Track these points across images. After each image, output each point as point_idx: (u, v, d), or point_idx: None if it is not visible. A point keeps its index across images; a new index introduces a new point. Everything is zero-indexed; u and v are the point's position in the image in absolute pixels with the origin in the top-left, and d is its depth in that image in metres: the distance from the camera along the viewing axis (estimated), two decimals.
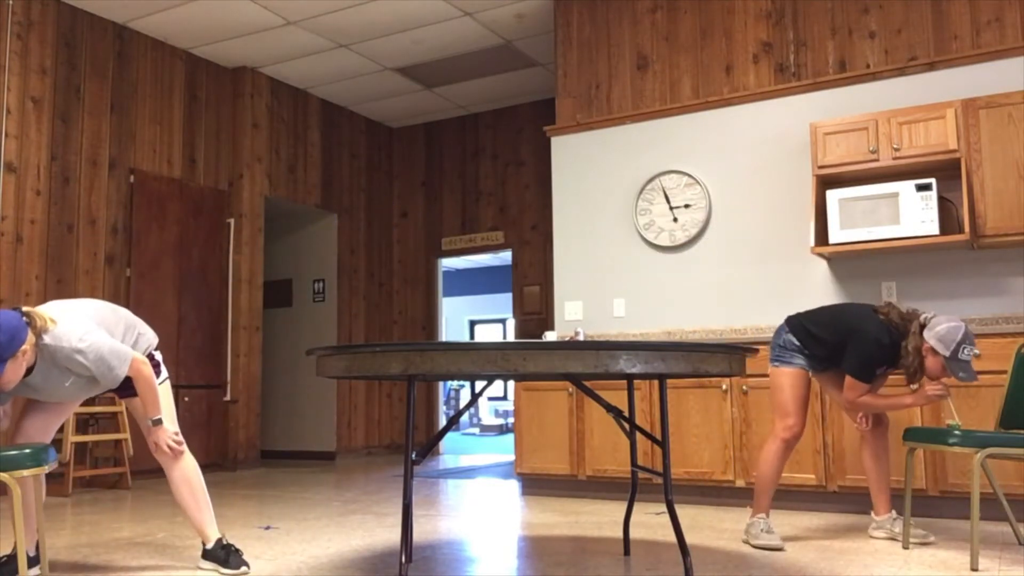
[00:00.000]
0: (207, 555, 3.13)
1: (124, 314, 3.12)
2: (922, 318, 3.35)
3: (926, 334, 3.29)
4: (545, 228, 8.06)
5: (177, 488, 3.13)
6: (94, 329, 2.86)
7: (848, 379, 3.43)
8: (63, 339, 2.77)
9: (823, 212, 4.84)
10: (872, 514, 3.72)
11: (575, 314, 5.80)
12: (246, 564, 3.08)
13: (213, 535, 3.13)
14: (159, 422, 3.03)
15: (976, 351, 3.27)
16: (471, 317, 16.61)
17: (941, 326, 3.26)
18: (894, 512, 3.66)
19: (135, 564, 3.27)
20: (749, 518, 3.62)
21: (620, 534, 3.83)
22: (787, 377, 3.57)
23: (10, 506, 2.57)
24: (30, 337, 2.70)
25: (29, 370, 2.78)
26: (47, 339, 2.76)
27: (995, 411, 3.71)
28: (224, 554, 3.09)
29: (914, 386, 3.44)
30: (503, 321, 16.21)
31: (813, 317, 3.60)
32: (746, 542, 3.57)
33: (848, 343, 3.42)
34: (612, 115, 5.82)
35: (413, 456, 2.59)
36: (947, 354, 3.23)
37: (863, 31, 5.14)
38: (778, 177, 5.26)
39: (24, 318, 2.70)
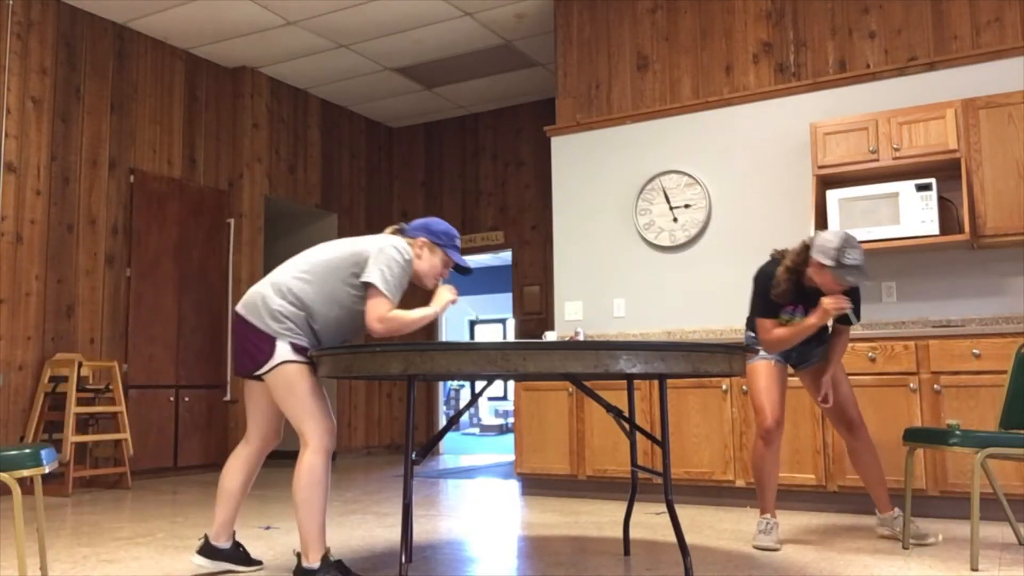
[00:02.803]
0: (219, 554, 3.08)
1: None
2: (807, 239, 3.38)
3: (811, 252, 3.30)
4: (545, 228, 8.06)
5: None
6: None
7: (757, 322, 3.48)
8: None
9: (823, 212, 4.84)
10: (876, 512, 3.71)
11: (575, 314, 5.79)
12: (261, 561, 3.15)
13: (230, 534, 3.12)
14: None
15: (861, 254, 3.23)
16: (471, 317, 16.61)
17: (821, 238, 3.28)
18: (896, 509, 3.65)
19: (135, 564, 3.27)
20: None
21: (620, 534, 3.83)
22: (754, 372, 3.59)
23: (10, 506, 2.57)
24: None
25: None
26: None
27: (995, 411, 3.71)
28: (243, 554, 3.11)
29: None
30: (503, 321, 16.21)
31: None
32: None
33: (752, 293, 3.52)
34: (612, 115, 5.82)
35: (413, 456, 2.59)
36: (832, 263, 3.23)
37: (863, 31, 5.14)
38: (778, 177, 5.26)
39: None
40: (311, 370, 2.86)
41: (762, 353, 3.57)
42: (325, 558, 2.80)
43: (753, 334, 3.61)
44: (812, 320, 3.38)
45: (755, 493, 4.47)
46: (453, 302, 2.99)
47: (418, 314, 2.87)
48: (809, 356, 3.62)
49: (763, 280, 3.46)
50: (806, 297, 3.44)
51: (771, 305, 3.44)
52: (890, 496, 3.68)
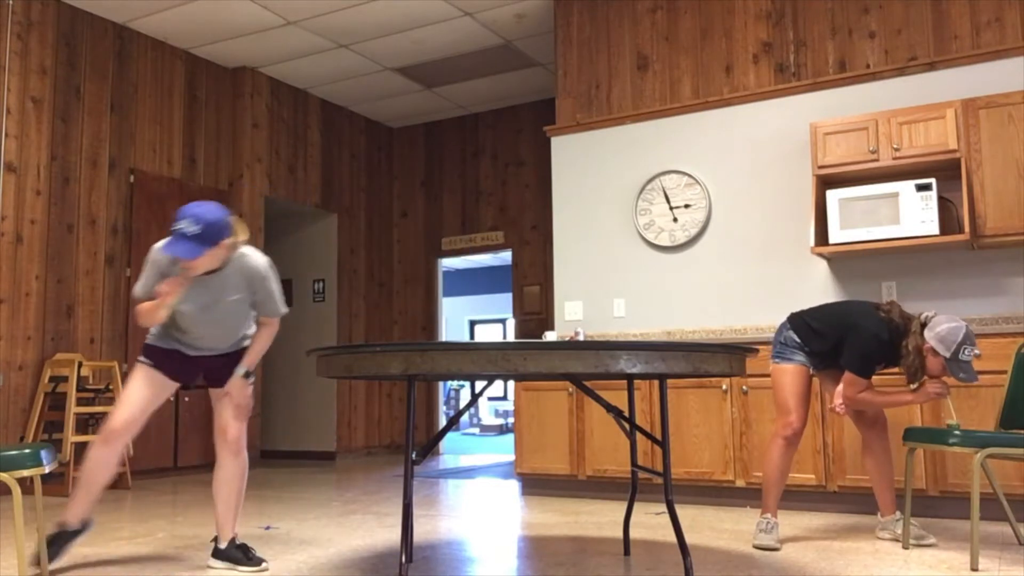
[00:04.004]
0: (220, 555, 3.14)
1: None
2: (923, 317, 3.35)
3: (927, 334, 3.28)
4: (545, 228, 8.06)
5: (224, 480, 3.15)
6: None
7: (847, 375, 3.43)
8: (255, 259, 3.00)
9: (823, 212, 4.84)
10: (879, 515, 3.71)
11: (575, 314, 5.79)
12: (264, 560, 3.14)
13: (229, 534, 3.14)
14: (251, 376, 3.14)
15: (977, 351, 3.26)
16: (471, 317, 16.61)
17: (942, 326, 3.25)
18: (898, 512, 3.65)
19: (135, 564, 3.27)
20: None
21: (620, 534, 3.83)
22: (787, 374, 3.57)
23: (10, 506, 2.57)
24: (232, 237, 2.88)
25: (214, 272, 2.94)
26: (244, 249, 2.96)
27: (995, 411, 3.71)
28: (241, 553, 3.12)
29: (913, 385, 3.43)
30: (503, 321, 16.21)
31: (814, 313, 3.61)
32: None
33: (847, 338, 3.43)
34: (612, 115, 5.82)
35: (413, 456, 2.59)
36: (948, 355, 3.22)
37: (863, 31, 5.14)
38: (778, 177, 5.26)
39: (230, 217, 2.89)
40: (141, 367, 3.11)
41: (796, 356, 3.57)
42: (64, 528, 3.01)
43: (797, 338, 3.59)
44: (908, 399, 3.43)
45: (756, 493, 4.48)
46: (165, 300, 2.89)
47: (148, 304, 2.95)
48: (833, 364, 3.61)
49: (872, 344, 3.37)
50: (895, 357, 3.43)
51: (871, 368, 3.42)
52: (895, 500, 3.68)
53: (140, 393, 3.06)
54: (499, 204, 8.57)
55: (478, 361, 2.35)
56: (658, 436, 4.56)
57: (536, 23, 6.75)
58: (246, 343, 3.21)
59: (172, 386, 3.17)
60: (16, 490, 2.54)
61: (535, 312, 8.16)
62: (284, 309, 3.16)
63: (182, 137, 7.13)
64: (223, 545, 3.14)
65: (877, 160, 4.69)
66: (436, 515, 4.52)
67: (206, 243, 2.78)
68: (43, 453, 2.67)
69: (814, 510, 4.45)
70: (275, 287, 3.09)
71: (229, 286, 3.00)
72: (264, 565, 3.10)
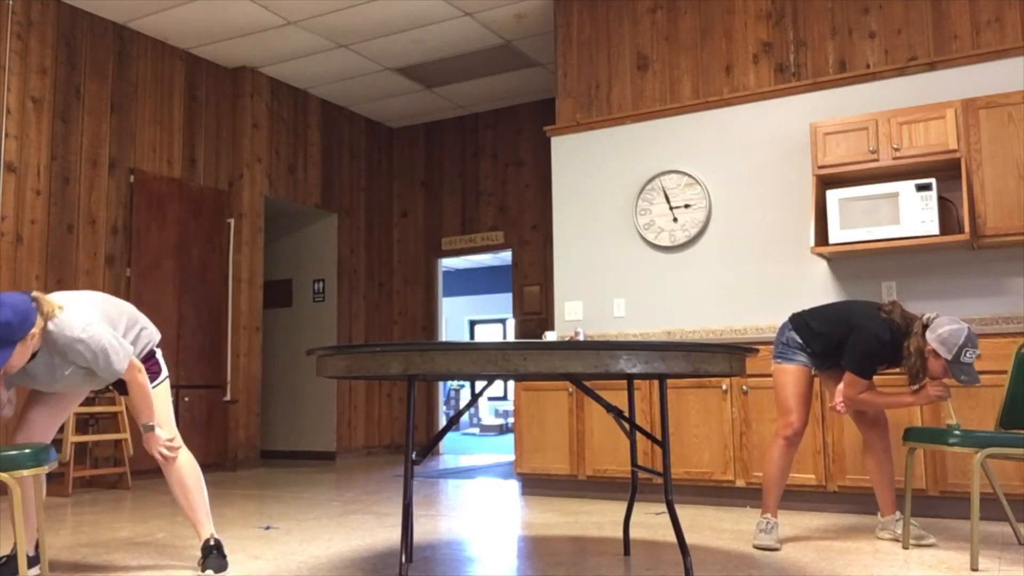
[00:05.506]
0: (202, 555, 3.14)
1: (127, 308, 3.11)
2: (924, 318, 3.35)
3: (928, 336, 3.28)
4: (545, 228, 8.06)
5: (171, 487, 3.15)
6: (97, 321, 2.85)
7: (848, 375, 3.43)
8: (66, 327, 2.76)
9: (823, 212, 4.84)
10: (879, 515, 3.71)
11: (575, 314, 5.80)
12: (215, 568, 3.05)
13: (204, 534, 3.13)
14: (151, 428, 3.02)
15: (978, 353, 3.26)
16: (471, 317, 16.61)
17: (944, 328, 3.25)
18: (898, 512, 3.65)
19: (135, 564, 3.27)
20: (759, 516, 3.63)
21: (620, 534, 3.83)
22: (789, 374, 3.57)
23: (10, 506, 2.57)
24: (39, 321, 2.71)
25: (33, 356, 2.78)
26: (51, 326, 2.76)
27: (995, 411, 3.72)
28: (204, 554, 3.10)
29: (915, 386, 3.43)
30: (503, 321, 16.21)
31: (816, 314, 3.61)
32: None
33: (848, 338, 3.43)
34: (612, 115, 5.82)
35: (413, 456, 2.59)
36: (949, 357, 3.22)
37: (863, 31, 5.14)
38: (778, 177, 5.26)
39: (33, 302, 2.72)
40: None
41: (798, 356, 3.57)
42: None
43: (799, 339, 3.58)
44: (909, 400, 3.43)
45: (756, 493, 4.49)
46: None
47: None
48: (834, 365, 3.61)
49: (873, 344, 3.37)
50: (897, 358, 3.42)
51: (872, 368, 3.42)
52: (895, 499, 3.68)
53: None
54: (499, 204, 8.57)
55: (478, 361, 2.35)
56: (658, 436, 4.56)
57: (536, 23, 6.75)
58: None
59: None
60: (16, 490, 2.54)
61: (535, 312, 8.16)
62: (120, 367, 2.84)
63: (182, 137, 7.13)
64: (201, 544, 3.14)
65: (877, 160, 4.69)
66: (436, 515, 4.52)
67: (5, 345, 2.61)
68: (43, 453, 2.67)
69: (814, 510, 4.45)
70: (98, 347, 2.78)
71: (57, 364, 2.84)
72: (209, 573, 3.03)
